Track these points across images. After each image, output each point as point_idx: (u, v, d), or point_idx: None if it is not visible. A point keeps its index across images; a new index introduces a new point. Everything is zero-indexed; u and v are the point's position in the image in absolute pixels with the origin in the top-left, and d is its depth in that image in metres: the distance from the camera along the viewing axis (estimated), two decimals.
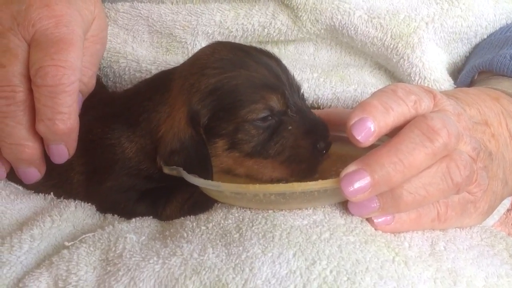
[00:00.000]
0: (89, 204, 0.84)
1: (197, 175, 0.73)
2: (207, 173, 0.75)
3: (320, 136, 0.78)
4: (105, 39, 0.94)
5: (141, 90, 0.85)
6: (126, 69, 1.02)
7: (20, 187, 0.90)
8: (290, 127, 0.77)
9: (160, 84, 0.82)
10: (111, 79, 1.03)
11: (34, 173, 0.84)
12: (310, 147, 0.77)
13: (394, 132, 0.68)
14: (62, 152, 0.82)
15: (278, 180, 0.77)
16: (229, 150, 0.77)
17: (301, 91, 0.83)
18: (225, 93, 0.76)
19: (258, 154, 0.77)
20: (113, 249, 0.69)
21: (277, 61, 0.83)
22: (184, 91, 0.78)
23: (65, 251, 0.70)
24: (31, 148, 0.82)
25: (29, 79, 0.79)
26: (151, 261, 0.65)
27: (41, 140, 0.82)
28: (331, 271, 0.61)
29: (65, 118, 0.79)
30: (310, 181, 0.67)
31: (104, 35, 0.93)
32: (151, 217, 0.81)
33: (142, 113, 0.80)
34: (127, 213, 0.82)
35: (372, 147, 0.67)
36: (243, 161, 0.78)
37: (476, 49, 1.04)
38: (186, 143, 0.76)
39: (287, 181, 0.77)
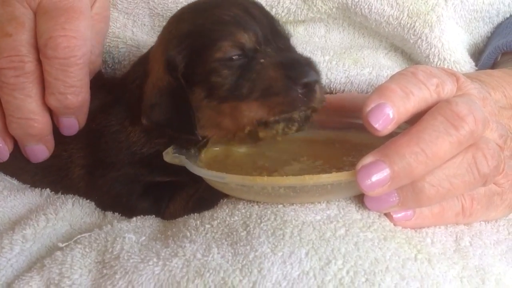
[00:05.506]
0: (88, 201, 0.82)
1: (181, 130, 0.72)
2: (190, 124, 0.73)
3: (299, 72, 0.71)
4: (108, 18, 0.94)
5: (135, 63, 0.84)
6: (126, 54, 1.00)
7: (15, 181, 0.89)
8: (262, 60, 0.73)
9: (149, 50, 0.81)
10: (110, 66, 1.01)
11: (43, 151, 0.83)
12: (283, 77, 0.71)
13: (414, 119, 0.65)
14: (73, 125, 0.81)
15: (259, 121, 0.72)
16: (207, 99, 0.73)
17: (291, 40, 0.79)
18: (197, 34, 0.74)
19: (233, 97, 0.72)
20: (110, 250, 0.66)
21: (260, 7, 0.79)
22: (163, 41, 0.77)
23: (58, 252, 0.68)
24: (40, 122, 0.80)
25: (37, 49, 0.78)
26: (150, 263, 0.62)
27: (50, 113, 0.80)
28: (347, 272, 0.58)
29: (77, 92, 0.78)
30: (323, 172, 0.65)
31: (107, 15, 0.92)
32: (154, 216, 0.78)
33: (134, 81, 0.79)
34: (129, 209, 0.79)
35: (390, 135, 0.65)
36: (222, 109, 0.73)
37: (499, 29, 1.02)
38: (164, 92, 0.74)
39: (271, 127, 0.72)
